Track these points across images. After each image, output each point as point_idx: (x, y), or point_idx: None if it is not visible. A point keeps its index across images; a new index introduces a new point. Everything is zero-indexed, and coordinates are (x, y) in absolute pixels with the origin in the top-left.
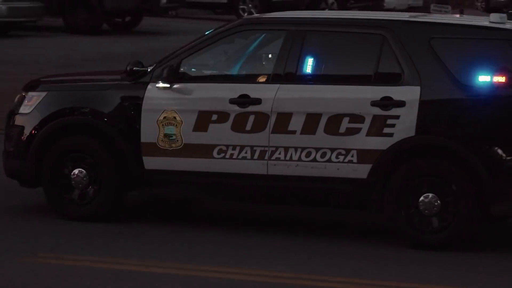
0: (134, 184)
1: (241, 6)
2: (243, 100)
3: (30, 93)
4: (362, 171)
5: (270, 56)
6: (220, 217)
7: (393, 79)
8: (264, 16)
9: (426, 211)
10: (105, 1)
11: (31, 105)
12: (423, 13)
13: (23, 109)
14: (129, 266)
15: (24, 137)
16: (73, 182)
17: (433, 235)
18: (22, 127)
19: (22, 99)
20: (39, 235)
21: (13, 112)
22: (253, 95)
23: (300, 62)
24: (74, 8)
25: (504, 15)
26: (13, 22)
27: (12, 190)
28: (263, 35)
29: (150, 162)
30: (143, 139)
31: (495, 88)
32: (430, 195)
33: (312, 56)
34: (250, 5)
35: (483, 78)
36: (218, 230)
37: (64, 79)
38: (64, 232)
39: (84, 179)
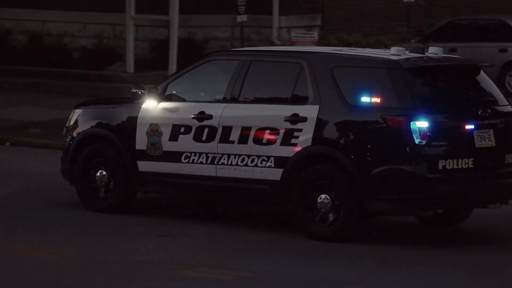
0: (134, 183)
1: None
2: (200, 116)
3: (75, 110)
4: (277, 174)
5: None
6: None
7: (303, 100)
8: (228, 50)
9: (322, 209)
10: None
11: (73, 119)
12: (340, 48)
13: (69, 123)
14: None
15: (66, 145)
16: (97, 181)
17: (325, 228)
18: (67, 137)
19: (71, 115)
20: None
21: (66, 125)
22: (207, 112)
23: (244, 85)
24: None
25: (402, 48)
26: None
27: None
28: (227, 65)
29: (142, 166)
30: (137, 146)
31: (372, 107)
32: (324, 195)
33: (252, 80)
34: None
35: (365, 99)
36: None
37: (98, 99)
38: None
39: (104, 179)
